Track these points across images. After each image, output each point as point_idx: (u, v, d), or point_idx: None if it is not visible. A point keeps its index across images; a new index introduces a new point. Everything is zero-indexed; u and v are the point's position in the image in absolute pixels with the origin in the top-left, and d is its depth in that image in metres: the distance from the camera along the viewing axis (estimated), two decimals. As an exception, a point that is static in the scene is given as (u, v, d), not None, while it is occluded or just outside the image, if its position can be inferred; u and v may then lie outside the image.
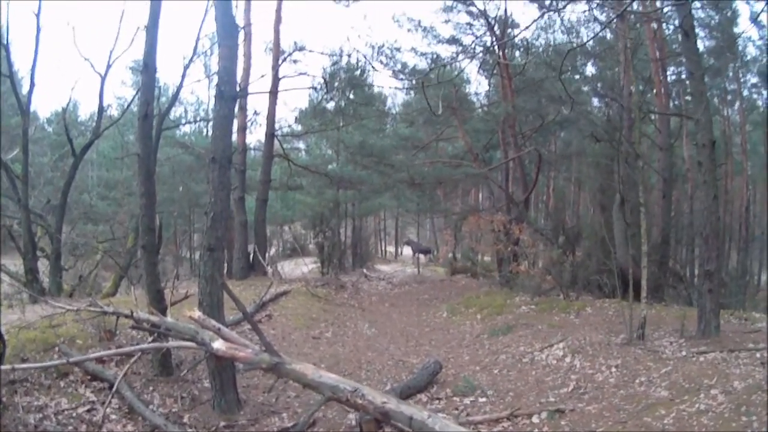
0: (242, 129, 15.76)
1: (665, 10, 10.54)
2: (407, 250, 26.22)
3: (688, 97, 15.15)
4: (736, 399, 4.32)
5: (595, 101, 17.51)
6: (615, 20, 8.50)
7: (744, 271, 13.35)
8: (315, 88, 16.91)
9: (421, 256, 23.54)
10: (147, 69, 5.90)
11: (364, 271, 19.72)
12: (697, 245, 13.18)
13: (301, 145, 26.68)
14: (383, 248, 33.64)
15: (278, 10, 16.13)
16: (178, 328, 5.23)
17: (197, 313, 5.29)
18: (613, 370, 5.80)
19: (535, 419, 4.92)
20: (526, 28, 14.08)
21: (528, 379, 6.23)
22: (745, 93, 18.01)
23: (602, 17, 14.40)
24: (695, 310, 7.02)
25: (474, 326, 9.78)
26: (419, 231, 30.80)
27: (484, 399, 5.76)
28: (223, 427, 5.15)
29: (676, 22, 10.82)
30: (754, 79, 17.21)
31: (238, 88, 6.32)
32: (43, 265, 10.66)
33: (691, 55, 6.98)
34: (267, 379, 6.47)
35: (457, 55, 15.75)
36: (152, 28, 5.95)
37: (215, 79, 21.36)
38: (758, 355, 5.36)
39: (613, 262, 9.49)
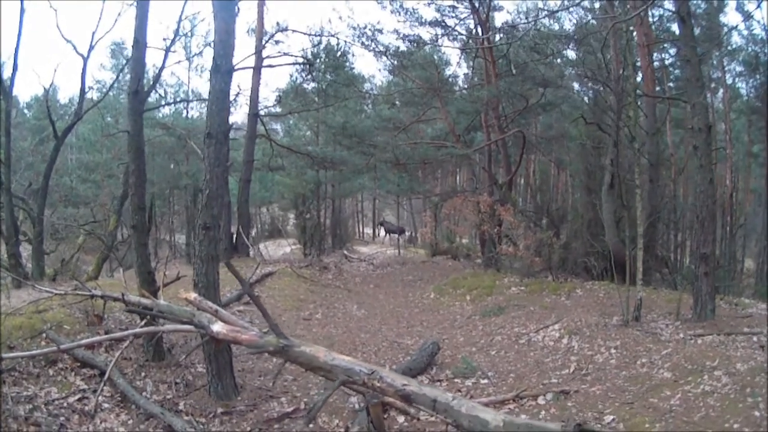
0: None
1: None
2: (384, 232, 26.32)
3: (671, 84, 15.38)
4: (740, 380, 4.38)
5: (576, 85, 17.63)
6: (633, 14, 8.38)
7: (732, 257, 13.71)
8: (300, 64, 16.54)
9: (396, 236, 23.65)
10: (137, 44, 5.70)
11: (345, 252, 19.63)
12: (681, 230, 13.52)
13: (279, 127, 26.25)
14: (361, 230, 33.57)
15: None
16: (173, 310, 5.01)
17: (193, 295, 5.08)
18: (613, 351, 5.84)
19: (540, 401, 4.91)
20: (531, 21, 13.83)
21: (527, 361, 6.24)
22: (729, 81, 18.30)
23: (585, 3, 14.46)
24: (686, 294, 7.13)
25: (464, 307, 9.77)
26: (399, 212, 30.75)
27: (485, 381, 5.74)
28: (221, 413, 4.98)
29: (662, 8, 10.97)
30: (739, 68, 17.48)
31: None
32: (24, 250, 10.23)
33: (688, 41, 6.96)
34: (263, 362, 6.33)
35: (437, 38, 15.57)
36: (143, 4, 5.68)
37: (196, 60, 20.93)
38: (755, 338, 5.46)
39: (601, 245, 9.59)
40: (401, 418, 4.72)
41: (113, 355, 5.14)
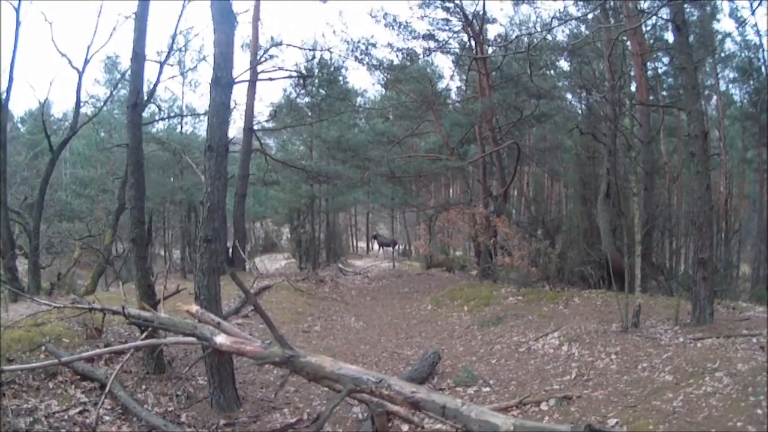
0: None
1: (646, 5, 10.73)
2: (377, 245, 26.42)
3: (665, 92, 15.61)
4: (741, 381, 4.40)
5: (569, 96, 17.88)
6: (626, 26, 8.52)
7: (728, 262, 13.83)
8: (296, 77, 16.68)
9: (388, 249, 23.70)
10: (137, 57, 5.70)
11: (339, 265, 19.65)
12: (676, 237, 13.63)
13: (272, 141, 26.34)
14: (355, 243, 33.57)
15: (256, 6, 16.16)
16: (175, 323, 4.99)
17: (195, 307, 5.09)
18: (613, 357, 5.85)
19: (543, 407, 4.89)
20: (532, 33, 14.04)
21: (528, 368, 6.24)
22: (723, 88, 18.54)
23: (577, 13, 14.70)
24: (683, 299, 7.20)
25: (462, 318, 9.78)
26: (393, 225, 30.80)
27: (487, 389, 5.73)
28: (223, 425, 4.94)
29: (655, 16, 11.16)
30: (732, 74, 17.77)
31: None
32: (20, 264, 10.17)
33: (684, 49, 7.08)
34: (264, 374, 6.30)
35: (430, 52, 15.80)
36: (142, 16, 5.73)
37: (190, 75, 20.97)
38: (755, 340, 5.50)
39: (597, 253, 9.65)
40: (405, 427, 4.70)
41: (113, 368, 5.11)
